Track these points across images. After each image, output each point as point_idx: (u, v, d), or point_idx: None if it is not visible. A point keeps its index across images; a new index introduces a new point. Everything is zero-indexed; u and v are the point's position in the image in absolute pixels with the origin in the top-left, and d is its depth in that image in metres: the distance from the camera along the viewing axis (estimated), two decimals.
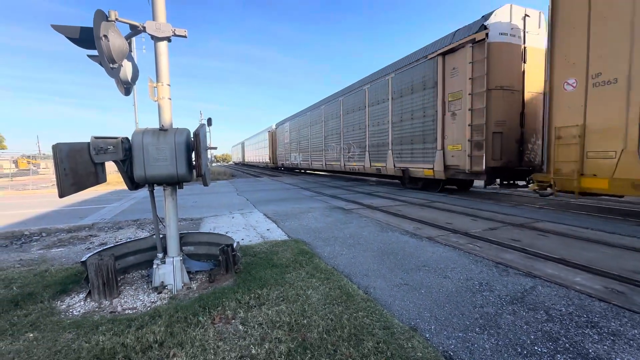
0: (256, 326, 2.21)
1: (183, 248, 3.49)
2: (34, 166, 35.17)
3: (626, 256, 3.51)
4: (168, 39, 2.90)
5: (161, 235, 3.09)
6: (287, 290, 2.76)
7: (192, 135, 2.69)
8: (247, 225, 5.63)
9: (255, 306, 2.50)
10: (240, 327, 2.22)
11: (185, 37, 2.92)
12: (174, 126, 2.92)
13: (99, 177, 2.40)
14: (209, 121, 23.04)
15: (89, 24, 2.52)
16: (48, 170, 35.53)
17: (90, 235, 5.19)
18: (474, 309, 2.43)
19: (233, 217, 6.43)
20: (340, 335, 2.07)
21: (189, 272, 3.23)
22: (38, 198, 12.33)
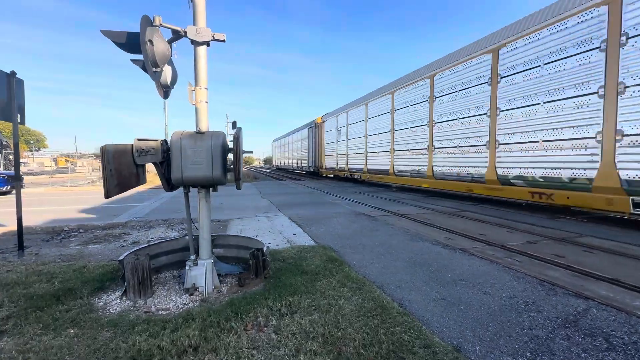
0: (290, 336, 2.15)
1: (213, 250, 3.50)
2: (72, 164, 37.38)
3: None
4: (207, 44, 2.94)
5: (193, 236, 3.12)
6: (319, 299, 2.68)
7: (228, 139, 2.70)
8: (273, 229, 5.62)
9: (287, 314, 2.45)
10: (274, 335, 2.17)
11: (224, 41, 2.95)
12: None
13: (140, 178, 2.45)
14: (234, 124, 23.60)
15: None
16: (84, 168, 37.66)
17: (124, 233, 5.37)
18: (521, 331, 2.24)
19: (259, 220, 6.46)
20: (379, 352, 1.96)
21: (218, 275, 3.23)
22: (75, 195, 13.03)
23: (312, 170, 24.07)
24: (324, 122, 21.47)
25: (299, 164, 28.25)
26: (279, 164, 40.41)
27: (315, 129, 23.18)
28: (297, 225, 5.96)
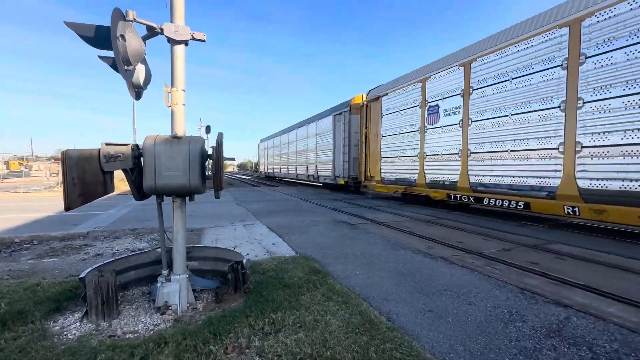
0: (275, 358, 1.99)
1: (187, 263, 3.26)
2: (26, 168, 34.47)
3: None
4: (186, 43, 2.76)
5: (166, 249, 2.87)
6: (304, 315, 2.54)
7: (207, 145, 2.52)
8: (251, 239, 5.39)
9: (270, 333, 2.28)
10: (257, 358, 2.00)
11: (204, 41, 2.78)
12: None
13: (107, 186, 2.20)
14: (207, 128, 22.72)
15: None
16: (41, 172, 34.83)
17: (85, 245, 4.91)
18: (509, 343, 2.23)
19: (235, 229, 6.19)
20: None
21: (193, 291, 2.99)
22: (30, 202, 11.94)
23: (342, 181, 14.87)
24: (378, 99, 12.13)
25: (309, 172, 19.13)
26: (269, 170, 30.93)
27: (349, 114, 14.24)
28: (276, 234, 5.77)
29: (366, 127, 13.16)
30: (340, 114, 15.31)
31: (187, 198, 2.76)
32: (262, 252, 4.52)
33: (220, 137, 2.43)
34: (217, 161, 2.35)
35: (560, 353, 2.11)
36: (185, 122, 2.77)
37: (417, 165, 10.10)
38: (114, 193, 12.90)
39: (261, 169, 36.05)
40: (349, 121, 14.50)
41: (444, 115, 9.09)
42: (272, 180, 30.08)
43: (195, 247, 3.49)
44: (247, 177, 39.84)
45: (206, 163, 2.71)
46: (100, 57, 2.74)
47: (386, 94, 11.86)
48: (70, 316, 2.56)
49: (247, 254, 4.39)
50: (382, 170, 12.09)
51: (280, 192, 16.29)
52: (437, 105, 9.38)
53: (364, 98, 13.83)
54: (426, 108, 9.80)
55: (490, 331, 2.39)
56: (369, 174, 13.00)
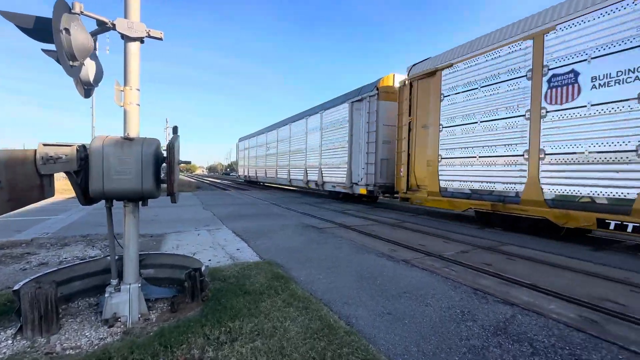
0: None
1: (142, 271, 3.09)
2: None
3: (590, 282, 3.67)
4: (141, 40, 2.64)
5: (117, 257, 2.70)
6: (263, 322, 2.49)
7: (163, 147, 2.41)
8: (215, 244, 5.23)
9: (226, 342, 2.21)
10: None
11: (161, 39, 2.67)
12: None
13: (45, 191, 2.03)
14: (175, 129, 21.90)
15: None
16: None
17: (28, 253, 4.50)
18: (460, 342, 2.33)
19: (199, 235, 5.97)
20: None
21: (147, 300, 2.84)
22: None
23: (362, 190, 11.26)
24: (434, 73, 8.65)
25: (308, 178, 15.22)
26: (250, 173, 26.30)
27: (377, 100, 10.78)
28: (242, 239, 5.64)
29: (409, 115, 9.40)
30: (360, 100, 11.49)
31: (140, 203, 2.62)
32: (225, 258, 4.39)
33: (174, 138, 2.33)
34: (169, 164, 2.25)
35: (505, 350, 2.24)
36: (147, 124, 2.64)
37: (521, 171, 6.65)
38: (66, 196, 11.90)
39: (240, 173, 30.24)
40: (377, 109, 10.77)
41: (594, 88, 5.59)
42: (253, 185, 26.28)
43: (150, 254, 3.31)
44: (217, 181, 38.79)
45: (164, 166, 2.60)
46: (43, 50, 2.54)
47: (451, 65, 8.09)
48: (2, 333, 2.32)
49: (209, 260, 4.26)
50: (441, 177, 8.24)
51: (250, 195, 16.00)
52: (572, 72, 5.90)
53: (394, 79, 11.00)
54: (545, 78, 6.30)
55: (443, 331, 2.49)
56: (413, 182, 9.15)
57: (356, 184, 11.63)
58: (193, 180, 34.23)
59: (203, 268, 2.96)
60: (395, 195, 10.58)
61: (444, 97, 8.29)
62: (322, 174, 14.09)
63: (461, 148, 7.81)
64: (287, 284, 3.33)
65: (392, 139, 10.52)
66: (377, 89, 10.89)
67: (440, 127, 8.33)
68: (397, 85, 10.70)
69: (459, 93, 7.91)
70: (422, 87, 9.08)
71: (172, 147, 2.27)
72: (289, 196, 15.81)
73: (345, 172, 12.15)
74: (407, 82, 9.64)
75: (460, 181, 7.77)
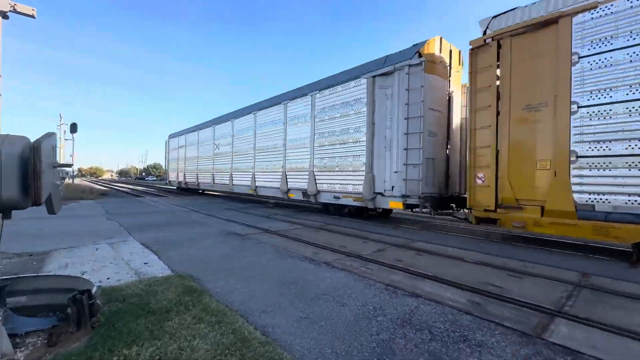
0: None
1: (8, 300, 2.51)
2: None
3: (478, 270, 4.29)
4: (4, 15, 2.14)
5: None
6: (167, 345, 2.24)
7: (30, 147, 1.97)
8: (117, 259, 4.56)
9: None
10: None
11: (32, 17, 2.23)
12: (9, 132, 2.11)
13: None
14: (73, 127, 18.66)
15: None
16: None
17: None
18: (370, 337, 2.46)
19: (97, 249, 5.14)
20: None
21: (14, 335, 2.30)
22: None
23: (399, 204, 7.84)
24: (556, 21, 5.40)
25: (289, 186, 11.39)
26: (188, 179, 20.96)
27: (423, 72, 7.53)
28: (152, 251, 5.05)
29: (498, 99, 6.18)
30: (390, 73, 8.23)
31: (1, 215, 2.11)
32: (129, 275, 3.86)
33: (44, 137, 1.94)
34: (33, 169, 1.84)
35: (409, 339, 2.44)
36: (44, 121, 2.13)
37: None
38: None
39: (171, 177, 24.29)
40: (422, 84, 7.58)
41: None
42: (192, 193, 21.70)
43: (21, 277, 2.70)
44: (129, 187, 34.45)
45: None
46: None
47: (595, 6, 5.07)
48: None
49: (108, 278, 3.69)
50: (579, 188, 5.15)
51: (169, 202, 14.56)
52: None
53: (440, 45, 8.10)
54: None
55: (357, 329, 2.59)
56: (507, 195, 6.00)
57: (381, 194, 8.35)
58: (97, 187, 29.62)
59: (94, 289, 2.54)
60: (453, 210, 8.14)
61: (581, 57, 5.24)
62: (315, 180, 10.32)
63: (633, 139, 4.68)
64: (200, 297, 3.08)
65: (439, 130, 8.00)
66: (421, 56, 7.70)
67: (575, 106, 5.25)
68: (439, 54, 8.02)
69: (619, 49, 4.84)
70: (523, 46, 5.93)
71: (37, 147, 1.87)
72: (211, 202, 14.88)
73: (363, 178, 8.67)
74: (490, 41, 6.31)
75: (629, 194, 4.71)
